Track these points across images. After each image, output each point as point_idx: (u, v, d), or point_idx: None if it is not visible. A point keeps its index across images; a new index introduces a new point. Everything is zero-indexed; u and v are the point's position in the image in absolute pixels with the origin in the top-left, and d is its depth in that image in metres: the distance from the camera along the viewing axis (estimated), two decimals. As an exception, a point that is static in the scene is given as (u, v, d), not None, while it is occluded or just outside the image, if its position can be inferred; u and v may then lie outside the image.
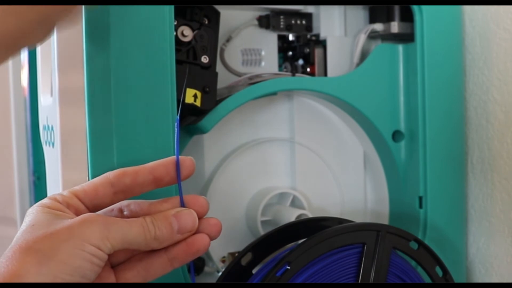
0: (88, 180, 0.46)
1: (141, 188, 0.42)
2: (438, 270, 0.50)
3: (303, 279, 0.44)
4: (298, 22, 0.61)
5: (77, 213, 0.40)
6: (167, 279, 0.45)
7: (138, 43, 0.46)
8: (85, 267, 0.37)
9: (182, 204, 0.42)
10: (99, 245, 0.37)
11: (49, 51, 0.50)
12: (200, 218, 0.42)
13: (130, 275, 0.42)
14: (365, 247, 0.47)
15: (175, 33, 0.50)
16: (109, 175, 0.42)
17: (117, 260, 0.42)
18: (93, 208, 0.42)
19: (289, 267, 0.44)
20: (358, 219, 0.62)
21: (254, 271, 0.50)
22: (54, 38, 0.47)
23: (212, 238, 0.42)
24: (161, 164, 0.42)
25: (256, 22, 0.60)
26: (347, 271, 0.46)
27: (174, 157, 0.42)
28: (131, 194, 0.42)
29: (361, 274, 0.46)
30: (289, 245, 0.51)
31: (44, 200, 0.40)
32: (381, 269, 0.47)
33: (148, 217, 0.40)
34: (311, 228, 0.50)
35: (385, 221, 0.63)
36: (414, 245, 0.49)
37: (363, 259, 0.46)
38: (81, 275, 0.37)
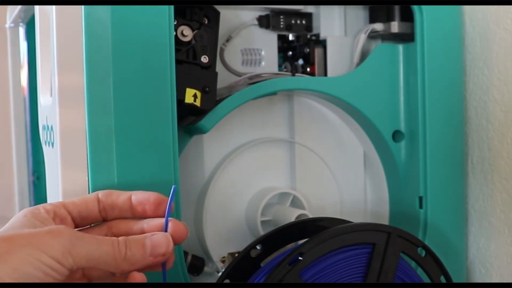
0: (88, 180, 0.46)
1: (119, 211, 0.43)
2: (443, 279, 0.50)
3: (313, 273, 0.45)
4: (298, 22, 0.61)
5: (62, 224, 0.41)
6: (167, 279, 0.45)
7: (138, 43, 0.46)
8: (36, 276, 0.36)
9: (166, 230, 0.42)
10: (59, 259, 0.36)
11: (49, 51, 0.49)
12: (177, 243, 0.42)
13: None
14: (375, 248, 0.47)
15: (175, 33, 0.50)
16: (99, 192, 0.43)
17: (97, 276, 0.43)
18: (80, 221, 0.42)
19: (301, 258, 0.44)
20: (358, 219, 0.62)
21: (262, 264, 0.50)
22: (54, 38, 0.47)
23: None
24: (143, 196, 0.43)
25: (256, 22, 0.60)
26: (355, 270, 0.46)
27: (155, 193, 0.43)
28: (112, 214, 0.43)
29: (368, 275, 0.46)
30: (300, 242, 0.51)
31: (34, 208, 0.41)
32: (389, 272, 0.47)
33: (122, 238, 0.40)
34: (327, 228, 0.50)
35: (385, 221, 0.63)
36: (421, 252, 0.50)
37: (372, 260, 0.46)
38: (32, 282, 0.36)
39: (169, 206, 0.42)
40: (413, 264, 0.51)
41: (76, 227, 0.42)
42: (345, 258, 0.46)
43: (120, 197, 0.43)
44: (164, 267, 0.42)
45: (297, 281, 0.44)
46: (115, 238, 0.40)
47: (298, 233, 0.51)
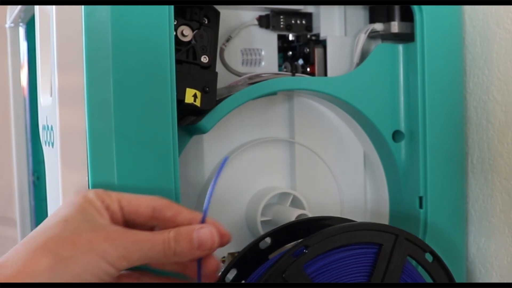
0: (88, 180, 0.46)
1: (174, 225, 0.43)
2: None
3: (318, 267, 0.45)
4: (298, 22, 0.61)
5: (111, 218, 0.42)
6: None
7: (138, 43, 0.46)
8: (91, 281, 0.38)
9: (203, 221, 0.43)
10: (114, 264, 0.38)
11: (49, 51, 0.49)
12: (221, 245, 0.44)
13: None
14: (381, 249, 0.47)
15: (175, 33, 0.50)
16: (156, 200, 0.43)
17: None
18: (127, 219, 0.43)
19: (306, 251, 0.44)
20: (358, 219, 0.62)
21: (270, 257, 0.50)
22: (54, 38, 0.47)
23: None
24: (205, 234, 0.43)
25: (256, 22, 0.60)
26: (361, 269, 0.46)
27: (221, 228, 0.44)
28: (164, 225, 0.43)
29: (373, 275, 0.46)
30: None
31: (90, 194, 0.42)
32: (394, 274, 0.46)
33: (172, 232, 0.41)
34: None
35: (385, 221, 0.63)
36: (429, 257, 0.49)
37: (378, 260, 0.46)
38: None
39: (216, 178, 0.43)
40: (419, 269, 0.51)
41: (123, 222, 0.43)
42: (351, 256, 0.46)
43: (181, 215, 0.43)
44: (199, 265, 0.43)
45: (300, 274, 0.43)
46: (166, 234, 0.41)
47: (310, 230, 0.51)
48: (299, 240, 0.46)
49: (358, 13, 0.63)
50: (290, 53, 0.63)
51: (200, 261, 0.43)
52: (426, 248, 0.49)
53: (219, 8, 0.54)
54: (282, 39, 0.62)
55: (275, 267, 0.43)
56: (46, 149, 0.53)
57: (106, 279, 0.38)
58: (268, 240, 0.50)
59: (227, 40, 0.59)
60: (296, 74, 0.60)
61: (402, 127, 0.60)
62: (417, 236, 0.57)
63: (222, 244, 0.44)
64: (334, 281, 0.45)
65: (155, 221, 0.43)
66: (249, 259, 0.50)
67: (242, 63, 0.60)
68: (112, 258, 0.38)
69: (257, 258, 0.50)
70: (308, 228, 0.51)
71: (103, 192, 0.42)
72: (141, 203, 0.43)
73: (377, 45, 0.61)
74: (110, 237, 0.39)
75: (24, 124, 0.88)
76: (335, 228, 0.46)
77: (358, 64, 0.60)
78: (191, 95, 0.51)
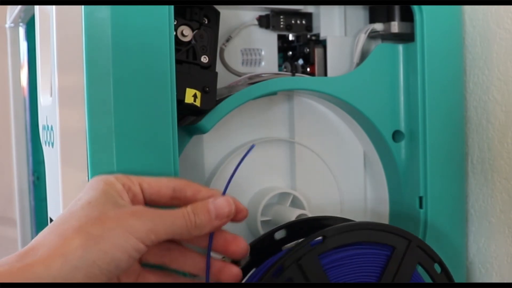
0: (88, 180, 0.46)
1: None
2: None
3: (333, 259, 0.45)
4: (298, 22, 0.61)
5: (133, 199, 0.43)
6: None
7: (138, 43, 0.46)
8: (122, 259, 0.38)
9: (224, 194, 0.45)
10: (143, 239, 0.39)
11: (49, 51, 0.49)
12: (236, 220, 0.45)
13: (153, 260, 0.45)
14: (394, 252, 0.47)
15: (175, 33, 0.50)
16: (175, 181, 0.44)
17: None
18: (148, 201, 0.44)
19: (323, 242, 0.44)
20: (358, 219, 0.62)
21: (283, 248, 0.51)
22: (54, 38, 0.47)
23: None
24: (221, 204, 0.44)
25: (256, 22, 0.60)
26: (372, 269, 0.46)
27: (236, 202, 0.45)
28: (184, 205, 0.44)
29: (383, 276, 0.46)
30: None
31: (110, 178, 0.43)
32: (403, 278, 0.46)
33: (189, 207, 0.42)
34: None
35: (385, 221, 0.63)
36: (437, 268, 0.49)
37: (390, 263, 0.46)
38: (116, 265, 0.38)
39: (240, 162, 0.44)
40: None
41: (144, 204, 0.44)
42: (364, 255, 0.46)
43: (201, 193, 0.44)
44: (211, 241, 0.44)
45: (315, 263, 0.44)
46: (184, 209, 0.42)
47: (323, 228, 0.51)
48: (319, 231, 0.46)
49: (358, 13, 0.63)
50: (290, 53, 0.63)
51: (212, 236, 0.44)
52: (435, 258, 0.49)
53: (219, 8, 0.54)
54: (282, 39, 0.62)
55: (292, 253, 0.43)
56: (46, 149, 0.53)
57: (135, 256, 0.39)
58: (283, 232, 0.51)
59: (227, 40, 0.59)
60: (296, 74, 0.60)
61: (402, 127, 0.60)
62: (417, 236, 0.57)
63: (240, 219, 0.45)
64: (345, 277, 0.46)
65: (176, 201, 0.44)
66: (263, 248, 0.50)
67: (242, 63, 0.60)
68: (140, 232, 0.39)
69: (271, 248, 0.50)
70: (321, 226, 0.51)
71: (123, 176, 0.43)
72: (162, 184, 0.44)
73: (377, 45, 0.61)
74: (136, 213, 0.40)
75: (24, 124, 0.88)
76: (354, 224, 0.46)
77: (358, 64, 0.60)
78: (191, 95, 0.51)
